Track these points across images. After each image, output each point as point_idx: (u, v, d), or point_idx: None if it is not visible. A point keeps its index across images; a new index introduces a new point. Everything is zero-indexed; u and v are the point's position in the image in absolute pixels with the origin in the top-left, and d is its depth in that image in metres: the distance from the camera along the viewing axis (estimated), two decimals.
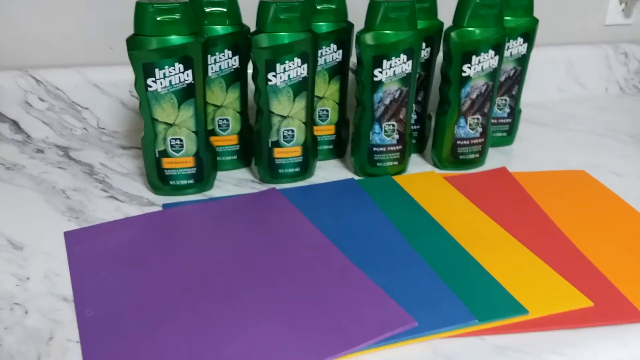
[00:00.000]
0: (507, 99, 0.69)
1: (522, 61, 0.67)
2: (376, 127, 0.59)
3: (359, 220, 0.52)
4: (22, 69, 0.70)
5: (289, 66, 0.55)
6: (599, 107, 0.88)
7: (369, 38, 0.55)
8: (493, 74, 0.60)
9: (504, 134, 0.71)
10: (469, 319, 0.38)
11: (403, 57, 0.56)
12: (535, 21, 0.66)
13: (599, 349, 0.38)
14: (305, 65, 0.55)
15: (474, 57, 0.58)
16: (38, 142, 0.70)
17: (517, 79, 0.68)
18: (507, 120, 0.70)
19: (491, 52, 0.58)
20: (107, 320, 0.39)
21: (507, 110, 0.69)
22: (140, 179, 0.61)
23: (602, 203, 0.56)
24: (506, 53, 0.66)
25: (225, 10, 0.57)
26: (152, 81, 0.52)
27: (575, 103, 0.90)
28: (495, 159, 0.67)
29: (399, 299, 0.40)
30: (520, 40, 0.65)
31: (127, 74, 0.73)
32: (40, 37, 0.71)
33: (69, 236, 0.49)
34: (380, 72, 0.56)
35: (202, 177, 0.57)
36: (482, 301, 0.40)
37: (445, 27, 0.61)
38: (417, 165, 0.66)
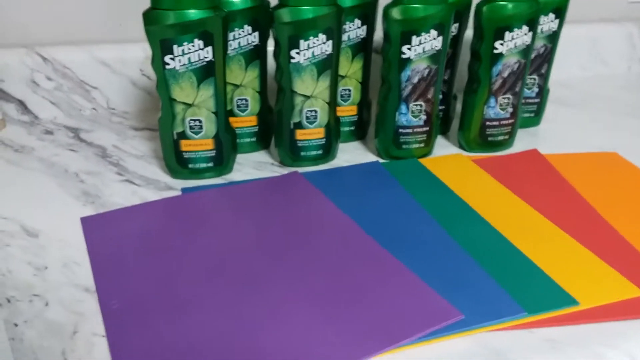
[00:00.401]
0: (536, 77, 0.66)
1: (553, 38, 0.64)
2: (403, 108, 0.57)
3: (388, 206, 0.50)
4: (28, 46, 0.66)
5: (314, 42, 0.52)
6: (622, 86, 0.86)
7: (397, 12, 0.52)
8: (526, 51, 0.57)
9: (532, 115, 0.68)
10: (517, 312, 0.36)
11: (433, 32, 0.53)
12: None
13: None
14: (330, 42, 0.52)
15: (507, 33, 0.55)
16: (46, 123, 0.67)
17: (547, 57, 0.65)
18: (535, 100, 0.67)
19: (525, 28, 0.55)
20: (133, 312, 0.37)
21: (536, 89, 0.67)
22: (155, 162, 0.58)
23: (635, 185, 0.54)
24: (537, 29, 0.62)
25: None
26: (170, 58, 0.49)
27: (599, 81, 0.87)
28: (523, 140, 0.65)
29: (441, 290, 0.38)
30: (551, 16, 0.62)
31: (137, 52, 0.70)
32: (47, 13, 0.67)
33: (86, 222, 0.47)
34: (409, 49, 0.53)
35: (222, 160, 0.55)
36: (530, 292, 0.38)
37: (476, 1, 0.58)
38: (442, 147, 0.63)
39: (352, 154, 0.61)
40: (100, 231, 0.46)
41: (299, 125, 0.56)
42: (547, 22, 0.63)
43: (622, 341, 0.35)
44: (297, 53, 0.52)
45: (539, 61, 0.65)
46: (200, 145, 0.53)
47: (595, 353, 0.35)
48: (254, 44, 0.56)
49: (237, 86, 0.57)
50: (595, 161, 0.59)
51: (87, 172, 0.56)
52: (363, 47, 0.60)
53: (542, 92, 0.67)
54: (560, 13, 0.63)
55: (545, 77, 0.66)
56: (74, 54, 0.68)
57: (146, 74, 0.71)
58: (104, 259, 0.42)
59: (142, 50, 0.70)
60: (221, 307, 0.37)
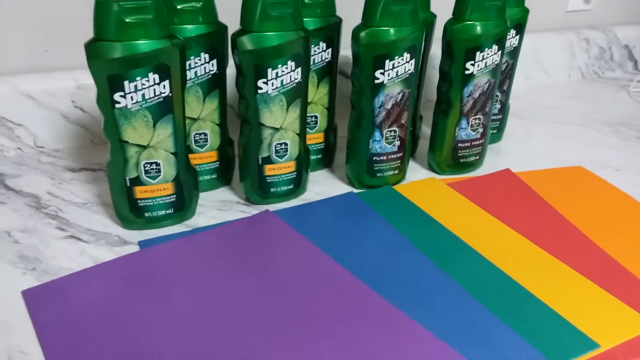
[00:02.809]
0: (499, 94, 0.65)
1: (514, 54, 0.63)
2: (376, 135, 0.53)
3: (373, 242, 0.46)
4: None
5: (282, 71, 0.47)
6: (566, 95, 0.88)
7: (369, 35, 0.49)
8: (495, 70, 0.55)
9: (495, 131, 0.67)
10: None
11: (406, 55, 0.50)
12: (527, 11, 0.62)
13: None
14: (299, 69, 0.48)
15: (477, 53, 0.53)
16: None
17: (509, 73, 0.64)
18: (498, 117, 0.67)
19: (495, 47, 0.54)
20: None
21: (498, 106, 0.66)
22: (102, 211, 0.51)
23: (613, 202, 0.54)
24: None
25: (199, 5, 0.47)
26: (121, 96, 0.42)
27: (543, 91, 0.89)
28: (488, 158, 0.64)
29: (455, 344, 0.35)
30: (512, 32, 0.62)
31: (67, 81, 0.61)
32: None
33: (29, 296, 0.39)
34: (382, 74, 0.50)
35: (183, 204, 0.49)
36: (549, 338, 0.35)
37: (438, 20, 0.56)
38: (412, 170, 0.61)
39: (322, 184, 0.57)
40: (49, 307, 0.38)
41: (267, 160, 0.51)
42: (510, 39, 0.62)
43: None
44: (265, 83, 0.47)
45: (501, 77, 0.64)
46: (158, 190, 0.47)
47: None
48: (212, 72, 0.50)
49: (194, 120, 0.51)
50: (565, 177, 0.59)
51: (21, 229, 0.48)
52: (328, 71, 0.56)
53: (504, 109, 0.67)
54: (520, 29, 0.62)
55: (507, 93, 0.65)
56: None
57: (79, 106, 0.63)
58: (56, 342, 0.35)
59: (72, 79, 0.62)
60: None
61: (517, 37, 0.62)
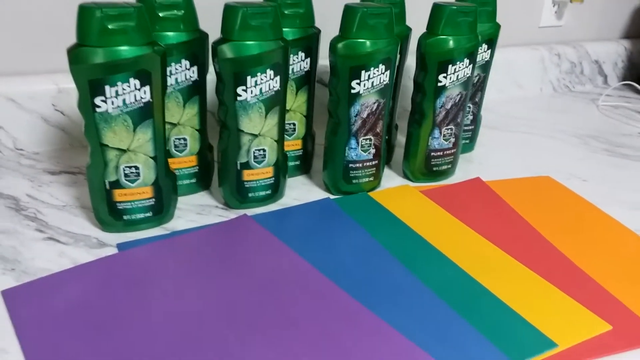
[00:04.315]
0: (471, 106, 0.67)
1: (486, 68, 0.66)
2: (352, 142, 0.55)
3: (347, 246, 0.48)
4: None
5: (261, 79, 0.48)
6: (538, 108, 0.91)
7: (346, 47, 0.51)
8: (467, 82, 0.57)
9: (467, 141, 0.70)
10: None
11: (381, 67, 0.52)
12: (498, 27, 0.65)
13: None
14: (278, 78, 0.49)
15: (450, 66, 0.56)
16: None
17: (480, 85, 0.67)
18: (470, 127, 0.69)
19: (466, 61, 0.56)
20: None
21: (470, 117, 0.68)
22: (81, 213, 0.52)
23: (576, 210, 0.56)
24: None
25: (180, 14, 0.49)
26: (102, 100, 0.43)
27: (515, 104, 0.92)
28: (460, 167, 0.66)
29: (422, 344, 0.36)
30: (484, 46, 0.64)
31: (47, 84, 0.62)
32: None
33: (9, 296, 0.40)
34: (358, 84, 0.52)
35: (162, 208, 0.50)
36: (511, 339, 0.37)
37: (413, 33, 0.58)
38: (388, 178, 0.62)
39: (299, 190, 0.59)
40: (28, 307, 0.39)
41: (246, 166, 0.52)
42: (481, 53, 0.64)
43: None
44: (244, 90, 0.48)
45: (473, 90, 0.66)
46: (137, 194, 0.48)
47: None
48: (192, 79, 0.51)
49: (174, 125, 0.52)
50: (533, 186, 0.62)
51: (1, 230, 0.48)
52: (307, 80, 0.57)
53: (476, 119, 0.69)
54: (491, 44, 0.65)
55: (479, 105, 0.68)
56: None
57: (59, 109, 0.63)
58: (35, 340, 0.36)
59: (52, 83, 0.62)
60: None
61: (489, 51, 0.65)
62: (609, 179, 0.65)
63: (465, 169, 0.66)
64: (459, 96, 0.58)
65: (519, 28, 0.95)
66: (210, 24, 0.53)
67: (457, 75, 0.56)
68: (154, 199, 0.49)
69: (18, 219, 0.50)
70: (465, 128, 0.69)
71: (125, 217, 0.48)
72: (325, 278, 0.43)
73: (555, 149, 0.74)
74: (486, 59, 0.65)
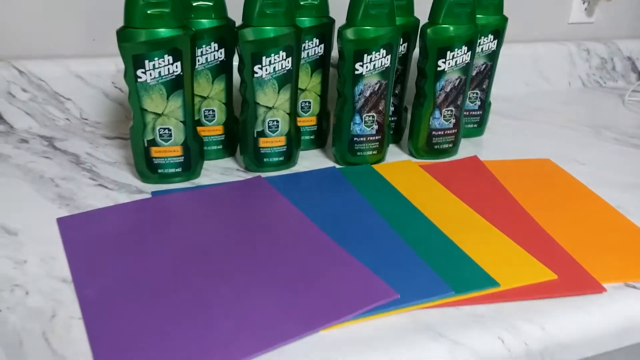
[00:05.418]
0: (478, 92, 0.73)
1: (492, 57, 0.71)
2: (357, 118, 0.62)
3: (342, 206, 0.55)
4: (5, 59, 0.70)
5: (275, 59, 0.57)
6: (562, 101, 0.94)
7: (350, 33, 0.58)
8: (466, 68, 0.63)
9: (475, 126, 0.75)
10: (446, 291, 0.42)
11: (382, 51, 0.59)
12: (505, 19, 0.70)
13: (563, 317, 0.41)
14: (289, 59, 0.58)
15: (448, 52, 0.62)
16: (22, 133, 0.71)
17: (488, 73, 0.72)
18: (478, 113, 0.74)
19: (464, 48, 0.62)
20: (107, 299, 0.41)
21: (478, 103, 0.74)
22: (127, 168, 0.62)
23: (565, 187, 0.61)
24: (477, 49, 0.70)
25: (211, 4, 0.58)
26: (142, 72, 0.53)
27: (541, 97, 0.95)
28: (467, 149, 0.71)
29: (382, 275, 0.43)
30: (490, 37, 0.69)
31: (109, 66, 0.74)
32: (24, 29, 0.71)
33: (62, 222, 0.51)
34: (361, 66, 0.59)
35: (190, 165, 0.59)
36: (458, 275, 0.43)
37: (422, 24, 0.65)
38: (394, 155, 0.69)
39: (311, 160, 0.67)
40: (75, 229, 0.50)
41: (261, 134, 0.61)
42: (487, 43, 0.70)
43: (536, 316, 0.41)
44: (260, 68, 0.57)
45: (480, 77, 0.72)
46: (169, 151, 0.58)
47: (512, 326, 0.40)
48: (220, 59, 0.61)
49: (204, 98, 0.62)
50: (530, 166, 0.66)
51: (62, 177, 0.60)
52: (321, 64, 0.65)
53: (484, 105, 0.74)
54: (498, 35, 0.70)
55: (486, 92, 0.73)
56: (49, 67, 0.72)
57: (118, 86, 0.75)
58: (79, 253, 0.46)
59: (114, 64, 0.74)
60: (188, 297, 0.41)
61: (495, 41, 0.70)
62: (609, 163, 0.68)
63: (471, 151, 0.71)
64: (458, 80, 0.64)
65: (548, 24, 0.98)
66: (238, 13, 0.62)
67: (456, 61, 0.62)
68: (183, 157, 0.59)
69: (77, 170, 0.61)
70: (474, 113, 0.74)
71: (159, 171, 0.59)
72: (312, 223, 0.51)
73: (564, 136, 0.77)
74: (493, 49, 0.70)
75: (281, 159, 0.63)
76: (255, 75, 0.57)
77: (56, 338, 0.37)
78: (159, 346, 0.36)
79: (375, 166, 0.65)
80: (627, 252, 0.49)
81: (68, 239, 0.48)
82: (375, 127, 0.63)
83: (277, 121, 0.60)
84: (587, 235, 0.51)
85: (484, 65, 0.71)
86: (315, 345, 0.37)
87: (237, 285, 0.43)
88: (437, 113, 0.65)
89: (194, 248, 0.48)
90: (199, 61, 0.60)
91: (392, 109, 0.70)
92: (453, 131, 0.67)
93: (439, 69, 0.63)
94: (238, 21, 0.60)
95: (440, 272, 0.44)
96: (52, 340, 0.37)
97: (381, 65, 0.60)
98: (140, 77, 0.54)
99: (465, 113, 0.73)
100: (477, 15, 0.68)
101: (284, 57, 0.57)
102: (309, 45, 0.64)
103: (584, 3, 0.97)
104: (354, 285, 0.42)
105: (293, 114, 0.61)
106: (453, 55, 0.62)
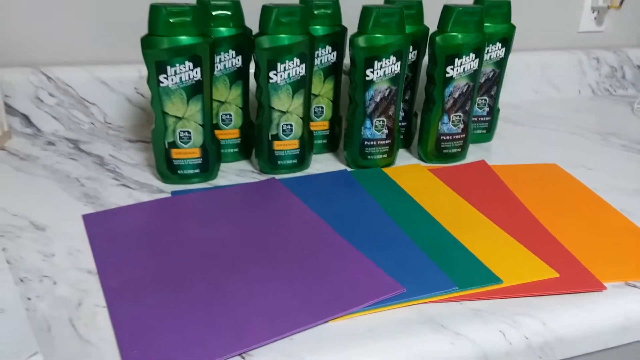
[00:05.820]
0: (487, 98, 0.75)
1: (500, 64, 0.73)
2: (367, 123, 0.65)
3: (352, 207, 0.57)
4: (34, 66, 0.74)
5: (289, 65, 0.60)
6: (572, 109, 0.95)
7: (361, 41, 0.61)
8: (474, 75, 0.65)
9: (484, 131, 0.77)
10: (450, 286, 0.44)
11: (392, 58, 0.61)
12: (513, 28, 0.72)
13: (564, 314, 0.43)
14: (303, 65, 0.60)
15: (456, 59, 0.64)
16: (48, 135, 0.74)
17: (496, 80, 0.74)
18: (487, 119, 0.76)
19: (472, 55, 0.64)
20: (130, 289, 0.44)
21: (487, 109, 0.75)
22: (148, 170, 0.66)
23: (569, 190, 0.62)
24: (486, 57, 0.72)
25: (230, 13, 0.62)
26: (164, 77, 0.56)
27: (550, 104, 0.97)
28: (475, 153, 0.73)
29: (389, 270, 0.45)
30: (498, 44, 0.72)
31: (132, 72, 0.77)
32: (52, 37, 0.75)
33: (87, 218, 0.54)
34: (372, 72, 0.62)
35: (208, 167, 0.62)
36: (462, 272, 0.45)
37: (431, 32, 0.67)
38: (404, 159, 0.71)
39: (324, 163, 0.69)
40: (100, 225, 0.53)
41: (276, 137, 0.63)
42: (495, 50, 0.72)
43: (537, 312, 0.43)
44: (275, 74, 0.60)
45: (488, 84, 0.74)
46: (188, 153, 0.61)
47: (513, 320, 0.42)
48: (237, 66, 0.64)
49: (222, 102, 0.65)
50: (536, 171, 0.68)
51: (87, 177, 0.63)
52: (334, 70, 0.68)
53: (493, 112, 0.76)
54: (506, 43, 0.72)
55: (495, 98, 0.75)
56: (75, 73, 0.75)
57: (140, 92, 0.79)
58: (103, 247, 0.49)
59: (137, 71, 0.78)
60: (206, 288, 0.44)
61: (503, 49, 0.72)
62: (615, 169, 0.69)
63: (479, 155, 0.73)
64: (466, 87, 0.66)
65: (557, 33, 1.00)
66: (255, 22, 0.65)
67: (464, 68, 0.65)
68: (201, 159, 0.61)
69: (101, 171, 0.65)
70: (482, 119, 0.76)
71: (179, 172, 0.61)
72: (325, 223, 0.53)
73: (572, 142, 0.79)
74: (501, 57, 0.72)
75: (294, 161, 0.65)
76: (271, 80, 0.60)
77: (82, 324, 0.40)
78: (177, 332, 0.39)
79: (385, 169, 0.67)
80: (629, 252, 0.50)
81: (93, 234, 0.51)
82: (385, 131, 0.66)
83: (291, 125, 0.63)
84: (589, 235, 0.53)
85: (492, 73, 0.73)
86: (324, 334, 0.40)
87: (251, 278, 0.45)
88: (445, 118, 0.67)
89: (210, 243, 0.50)
90: (217, 67, 0.63)
91: (402, 114, 0.72)
92: (461, 136, 0.69)
93: (447, 75, 0.65)
94: (255, 30, 0.63)
95: (445, 269, 0.46)
96: (78, 326, 0.40)
97: (391, 71, 0.62)
98: (163, 82, 0.57)
99: (474, 119, 0.75)
100: (486, 24, 0.70)
101: (298, 64, 0.60)
102: (322, 53, 0.66)
103: (593, 12, 0.98)
104: (363, 280, 0.44)
105: (306, 119, 0.64)
106: (461, 62, 0.64)
